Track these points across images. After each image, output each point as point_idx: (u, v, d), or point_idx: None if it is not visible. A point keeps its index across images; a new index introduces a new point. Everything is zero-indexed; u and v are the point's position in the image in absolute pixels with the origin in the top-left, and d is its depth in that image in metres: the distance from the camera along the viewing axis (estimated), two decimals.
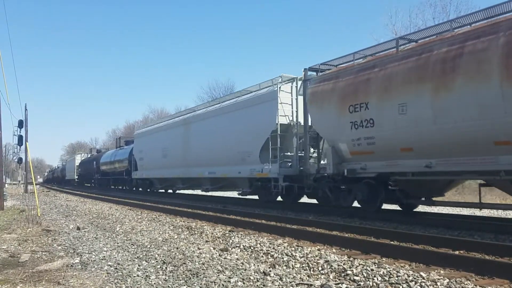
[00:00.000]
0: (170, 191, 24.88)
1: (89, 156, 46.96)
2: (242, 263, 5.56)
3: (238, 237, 7.66)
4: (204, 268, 5.33)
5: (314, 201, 13.93)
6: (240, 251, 6.53)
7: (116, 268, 5.47)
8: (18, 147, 22.53)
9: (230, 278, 4.80)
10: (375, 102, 9.24)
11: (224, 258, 5.91)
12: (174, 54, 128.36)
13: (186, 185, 20.04)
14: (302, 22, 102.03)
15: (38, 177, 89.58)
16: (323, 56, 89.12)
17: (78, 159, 50.04)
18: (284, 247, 6.51)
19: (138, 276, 5.05)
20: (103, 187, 36.56)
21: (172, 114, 28.27)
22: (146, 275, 5.06)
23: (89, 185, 45.18)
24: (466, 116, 7.54)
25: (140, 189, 26.96)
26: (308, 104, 11.73)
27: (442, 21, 26.21)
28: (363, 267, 5.07)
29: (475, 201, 9.03)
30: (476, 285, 4.29)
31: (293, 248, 6.37)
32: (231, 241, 7.33)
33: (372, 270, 4.91)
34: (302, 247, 6.48)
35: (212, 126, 16.67)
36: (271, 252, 6.22)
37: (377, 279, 4.57)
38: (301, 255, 5.85)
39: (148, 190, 25.21)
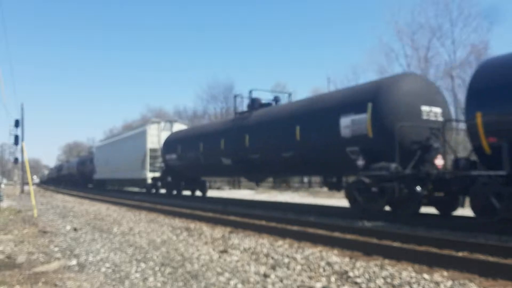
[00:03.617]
0: None
1: (234, 118, 16.46)
2: (242, 265, 5.48)
3: (238, 238, 7.58)
4: (203, 270, 5.25)
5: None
6: (240, 252, 6.44)
7: (113, 270, 5.39)
8: (15, 146, 22.48)
9: (229, 280, 4.73)
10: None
11: (224, 260, 5.83)
12: (172, 52, 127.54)
13: None
14: (302, 20, 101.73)
15: (35, 177, 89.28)
16: (322, 54, 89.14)
17: (153, 133, 23.26)
18: (285, 248, 6.44)
19: (136, 278, 4.97)
20: None
21: None
22: (144, 277, 4.98)
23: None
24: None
25: None
26: None
27: (444, 18, 26.24)
28: (365, 269, 5.01)
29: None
30: (479, 287, 4.25)
31: (294, 250, 6.30)
32: (230, 242, 7.25)
33: (374, 272, 4.84)
34: (303, 248, 6.42)
35: None
36: (272, 253, 6.14)
37: (380, 281, 4.51)
38: (302, 257, 5.78)
39: None
